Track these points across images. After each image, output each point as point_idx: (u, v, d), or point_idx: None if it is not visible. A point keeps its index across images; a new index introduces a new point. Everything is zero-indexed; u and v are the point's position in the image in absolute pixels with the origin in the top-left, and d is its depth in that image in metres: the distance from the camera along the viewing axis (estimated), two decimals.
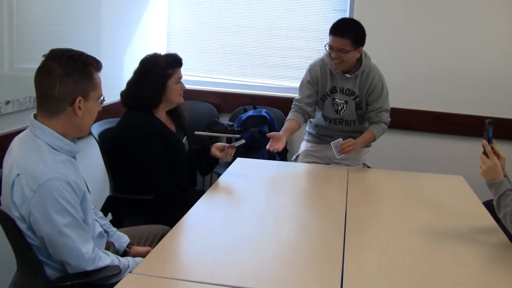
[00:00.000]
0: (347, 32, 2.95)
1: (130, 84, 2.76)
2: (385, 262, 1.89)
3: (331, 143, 3.05)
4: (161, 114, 2.79)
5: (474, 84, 4.08)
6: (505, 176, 2.10)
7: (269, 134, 3.09)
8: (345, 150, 3.02)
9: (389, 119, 3.19)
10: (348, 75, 3.09)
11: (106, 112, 3.04)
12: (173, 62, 2.76)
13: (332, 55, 3.00)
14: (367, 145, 3.33)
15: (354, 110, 3.17)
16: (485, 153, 2.08)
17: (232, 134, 4.06)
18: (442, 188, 2.88)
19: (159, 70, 2.70)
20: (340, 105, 3.17)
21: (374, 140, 3.19)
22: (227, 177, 2.86)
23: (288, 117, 3.24)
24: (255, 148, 4.02)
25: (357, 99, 3.14)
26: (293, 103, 3.25)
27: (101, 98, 1.90)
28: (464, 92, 4.10)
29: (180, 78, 2.79)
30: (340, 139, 3.05)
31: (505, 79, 4.04)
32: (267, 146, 3.03)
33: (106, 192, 2.81)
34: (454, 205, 2.51)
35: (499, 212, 2.03)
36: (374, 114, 3.16)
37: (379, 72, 3.14)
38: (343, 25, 3.00)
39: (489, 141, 2.09)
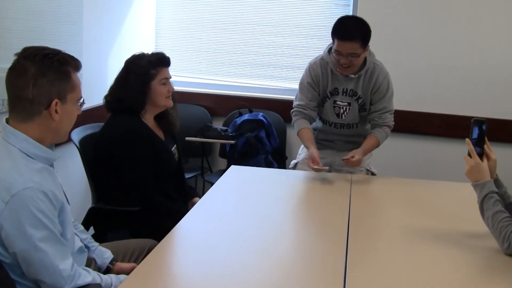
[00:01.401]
0: (356, 33, 2.88)
1: (114, 84, 2.75)
2: (390, 279, 1.87)
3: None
4: (148, 119, 2.77)
5: (488, 85, 4.08)
6: (496, 179, 2.13)
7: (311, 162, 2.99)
8: (349, 165, 2.99)
9: (393, 123, 3.17)
10: (352, 75, 3.06)
11: (89, 116, 3.03)
12: (156, 61, 2.72)
13: (341, 61, 2.93)
14: None
15: (357, 112, 3.14)
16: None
17: (226, 140, 4.07)
18: (452, 197, 2.87)
19: (140, 70, 2.69)
20: (342, 108, 3.14)
21: (378, 145, 3.16)
22: (220, 186, 2.84)
23: (299, 126, 3.14)
24: (251, 154, 4.01)
25: (360, 100, 3.12)
26: (297, 108, 3.17)
27: (81, 100, 1.87)
28: (477, 94, 4.10)
29: (167, 78, 2.75)
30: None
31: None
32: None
33: (88, 204, 2.80)
34: (465, 216, 2.49)
35: (482, 215, 2.07)
36: (378, 115, 3.13)
37: (385, 69, 3.11)
38: (350, 26, 2.92)
39: (477, 141, 2.13)
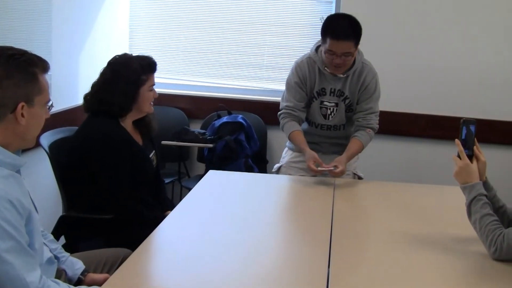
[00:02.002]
0: (351, 32, 2.90)
1: (97, 87, 2.73)
2: (374, 286, 1.87)
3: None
4: (128, 124, 2.77)
5: (475, 85, 4.12)
6: (485, 181, 2.15)
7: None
8: (333, 175, 2.99)
9: (377, 125, 3.18)
10: (340, 75, 3.07)
11: (58, 120, 3.01)
12: (147, 66, 2.76)
13: (335, 61, 2.94)
14: None
15: (344, 113, 3.15)
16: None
17: (204, 144, 4.06)
18: (439, 201, 2.89)
19: (132, 74, 2.70)
20: (329, 109, 3.15)
21: (362, 150, 3.17)
22: (198, 192, 2.82)
23: (290, 129, 3.13)
24: (230, 158, 4.00)
25: (347, 101, 3.13)
26: (285, 110, 3.16)
27: (49, 103, 1.85)
28: (464, 94, 4.13)
29: (154, 85, 2.80)
30: None
31: (506, 81, 4.09)
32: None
33: (58, 212, 2.77)
34: (452, 220, 2.50)
35: (470, 218, 2.08)
36: (363, 116, 3.14)
37: (374, 69, 3.13)
38: (344, 25, 2.93)
39: (466, 142, 2.15)
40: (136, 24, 4.60)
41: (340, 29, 2.91)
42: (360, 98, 3.13)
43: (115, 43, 4.32)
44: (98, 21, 4.07)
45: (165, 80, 4.56)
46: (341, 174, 2.97)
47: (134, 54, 2.83)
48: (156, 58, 4.51)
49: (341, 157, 3.05)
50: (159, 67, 4.55)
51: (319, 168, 2.92)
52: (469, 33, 4.08)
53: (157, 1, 4.58)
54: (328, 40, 2.92)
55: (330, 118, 3.16)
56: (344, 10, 3.97)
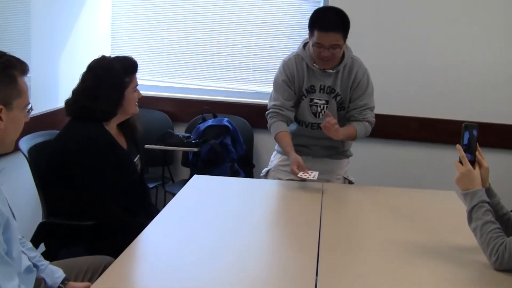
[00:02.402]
0: (339, 23, 2.92)
1: (79, 95, 2.71)
2: None
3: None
4: (112, 127, 2.77)
5: (469, 87, 4.14)
6: (488, 188, 2.13)
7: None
8: (326, 124, 2.94)
9: (374, 119, 3.18)
10: (329, 71, 3.07)
11: (38, 123, 3.00)
12: (129, 67, 2.76)
13: (323, 54, 2.95)
14: (347, 154, 3.34)
15: (335, 111, 3.15)
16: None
17: (189, 148, 4.05)
18: (434, 206, 2.89)
19: (115, 78, 2.69)
20: (319, 107, 3.14)
21: (355, 138, 3.14)
22: (182, 197, 2.82)
23: (276, 129, 3.11)
24: (215, 163, 4.00)
25: (339, 98, 3.13)
26: (272, 109, 3.15)
27: (28, 106, 1.85)
28: (457, 96, 4.15)
29: (137, 85, 2.79)
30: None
31: (501, 82, 4.12)
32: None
33: (38, 218, 2.76)
34: (449, 227, 2.51)
35: (470, 225, 2.06)
36: (358, 112, 3.14)
37: (363, 65, 3.14)
38: (331, 17, 2.96)
39: (468, 147, 2.13)
40: (118, 24, 4.59)
41: (328, 20, 2.93)
42: (353, 96, 3.13)
43: (96, 44, 4.30)
44: (79, 21, 4.06)
45: (149, 82, 4.55)
46: (334, 132, 2.94)
47: (112, 56, 2.82)
48: (139, 59, 4.49)
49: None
50: (142, 69, 4.53)
51: (299, 175, 2.90)
52: (464, 32, 4.11)
53: (140, 1, 4.57)
54: (315, 33, 2.93)
55: (321, 116, 3.15)
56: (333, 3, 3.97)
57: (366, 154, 4.17)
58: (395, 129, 4.21)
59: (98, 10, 4.36)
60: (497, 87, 4.12)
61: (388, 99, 4.11)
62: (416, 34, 4.13)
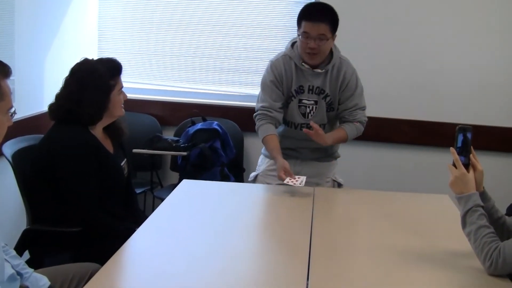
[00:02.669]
0: (326, 15, 2.98)
1: (63, 100, 2.69)
2: None
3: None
4: (98, 131, 2.76)
5: (463, 89, 4.16)
6: (483, 191, 2.13)
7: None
8: (312, 135, 2.98)
9: (366, 118, 3.19)
10: (318, 70, 3.08)
11: (22, 127, 2.98)
12: (114, 69, 2.75)
13: (310, 44, 2.98)
14: (336, 156, 3.34)
15: (325, 112, 3.16)
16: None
17: (178, 152, 4.05)
18: (424, 210, 2.90)
19: (100, 82, 2.68)
20: (309, 107, 3.15)
21: (346, 140, 3.16)
22: (171, 203, 2.82)
23: (264, 132, 3.11)
24: (205, 167, 4.00)
25: (328, 98, 3.14)
26: (261, 111, 3.14)
27: (11, 110, 1.84)
28: (451, 99, 4.17)
29: (122, 87, 2.79)
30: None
31: (496, 84, 4.14)
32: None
33: (22, 225, 2.74)
34: (442, 232, 2.52)
35: (464, 229, 2.06)
36: (348, 113, 3.15)
37: (351, 65, 3.15)
38: (319, 8, 3.04)
39: (462, 150, 2.13)
40: (105, 25, 4.57)
41: (315, 11, 3.01)
42: (343, 97, 3.14)
43: (83, 45, 4.29)
44: (65, 22, 4.04)
45: (137, 85, 4.54)
46: (320, 137, 2.98)
47: (96, 58, 2.81)
48: (127, 61, 4.51)
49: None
50: (130, 71, 4.54)
51: (286, 181, 2.89)
52: (458, 35, 4.14)
53: (127, 2, 4.56)
54: (303, 23, 2.99)
55: (310, 117, 3.16)
56: None
57: (358, 157, 4.18)
58: (387, 131, 4.22)
59: (85, 11, 4.35)
60: (492, 90, 4.14)
61: (379, 101, 4.12)
62: (409, 36, 4.16)
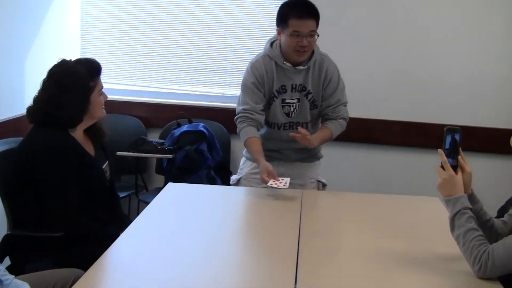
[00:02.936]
0: (312, 10, 3.00)
1: (41, 103, 2.67)
2: None
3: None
4: (78, 133, 2.75)
5: (453, 89, 4.18)
6: (471, 194, 2.15)
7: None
8: (299, 138, 2.99)
9: (348, 114, 3.21)
10: (301, 67, 3.09)
11: (2, 130, 2.96)
12: (93, 70, 2.73)
13: (301, 43, 2.98)
14: (319, 156, 3.35)
15: (308, 109, 3.17)
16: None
17: (163, 154, 4.04)
18: (415, 213, 2.91)
19: (79, 83, 2.67)
20: (292, 106, 3.16)
21: (331, 138, 3.18)
22: (156, 206, 2.81)
23: (246, 135, 3.11)
24: (191, 170, 3.99)
25: (310, 96, 3.15)
26: (242, 114, 3.14)
27: None
28: (439, 99, 4.19)
29: (102, 88, 2.78)
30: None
31: (486, 85, 4.16)
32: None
33: (2, 231, 2.72)
34: (431, 235, 2.53)
35: (452, 232, 2.07)
36: (331, 109, 3.17)
37: (332, 61, 3.18)
38: (305, 4, 3.03)
39: (450, 152, 2.14)
40: (88, 26, 4.56)
41: (303, 8, 3.01)
42: (326, 94, 3.16)
43: (65, 46, 4.27)
44: (46, 23, 4.03)
45: (121, 86, 4.53)
46: (306, 140, 2.98)
47: (73, 59, 2.78)
48: (110, 62, 4.49)
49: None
50: (114, 72, 4.53)
51: (270, 183, 2.89)
52: (448, 36, 4.16)
53: (110, 1, 4.54)
54: (292, 22, 2.98)
55: (293, 115, 3.18)
56: None
57: (347, 159, 4.19)
58: (374, 133, 4.23)
59: (67, 11, 4.33)
60: (482, 91, 4.17)
61: (367, 102, 4.15)
62: (400, 37, 4.17)
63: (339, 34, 4.09)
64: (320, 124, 3.27)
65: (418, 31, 4.15)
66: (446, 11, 4.13)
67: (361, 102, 4.04)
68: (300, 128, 3.03)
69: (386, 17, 4.17)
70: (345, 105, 3.21)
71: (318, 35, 3.02)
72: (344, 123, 3.20)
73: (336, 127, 3.16)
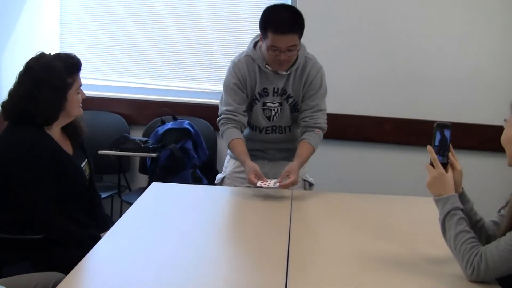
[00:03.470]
0: (295, 24, 2.93)
1: (17, 97, 2.66)
2: None
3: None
4: (55, 131, 2.74)
5: (446, 85, 4.20)
6: (462, 193, 2.15)
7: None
8: (284, 188, 2.97)
9: (326, 125, 3.20)
10: (283, 72, 3.09)
11: None
12: (72, 66, 2.72)
13: (279, 57, 2.96)
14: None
15: (289, 113, 3.19)
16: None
17: (147, 153, 4.03)
18: (407, 214, 2.92)
19: (57, 80, 2.65)
20: (273, 110, 3.17)
21: (313, 153, 3.17)
22: (139, 207, 2.81)
23: (230, 136, 3.12)
24: (176, 169, 3.99)
25: (291, 100, 3.16)
26: (225, 115, 3.15)
27: None
28: (433, 95, 4.21)
29: (81, 85, 2.77)
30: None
31: (479, 82, 4.19)
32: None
33: None
34: (423, 236, 2.53)
35: (444, 234, 2.07)
36: (309, 114, 3.15)
37: (318, 64, 3.16)
38: (286, 17, 2.96)
39: (440, 149, 2.14)
40: (67, 19, 4.54)
41: (282, 21, 2.94)
42: (306, 95, 3.16)
43: (43, 41, 4.25)
44: (24, 13, 4.01)
45: (102, 82, 4.52)
46: (292, 185, 2.96)
47: (53, 53, 2.76)
48: (91, 57, 4.47)
49: (292, 164, 3.03)
50: (95, 67, 4.51)
51: (258, 184, 2.90)
52: (440, 32, 4.17)
53: None
54: (270, 36, 2.94)
55: (275, 119, 3.19)
56: (301, 4, 3.99)
57: (333, 158, 4.19)
58: (366, 130, 4.24)
59: (45, 3, 4.31)
60: (475, 87, 4.18)
61: (358, 98, 4.16)
62: (391, 33, 4.18)
63: (330, 30, 4.10)
64: (300, 134, 3.23)
65: (411, 28, 4.17)
66: (439, 8, 4.14)
67: (353, 99, 4.05)
68: (281, 184, 2.94)
69: (379, 12, 4.18)
70: (324, 114, 3.19)
71: (299, 48, 2.99)
72: (321, 135, 3.18)
73: (316, 140, 3.14)
